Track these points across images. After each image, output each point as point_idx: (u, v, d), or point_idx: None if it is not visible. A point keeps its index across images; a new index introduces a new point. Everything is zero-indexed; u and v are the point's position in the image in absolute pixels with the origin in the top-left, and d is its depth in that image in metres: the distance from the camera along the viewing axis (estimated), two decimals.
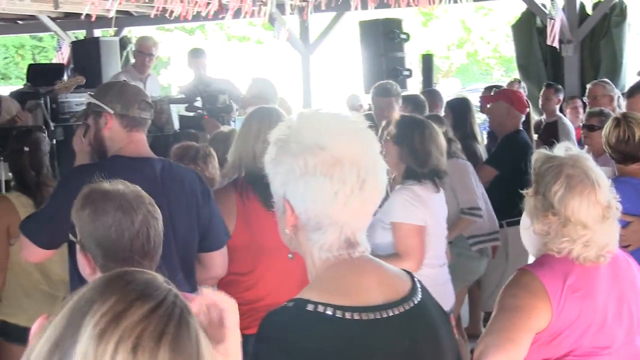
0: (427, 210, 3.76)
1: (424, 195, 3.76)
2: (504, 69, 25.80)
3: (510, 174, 5.13)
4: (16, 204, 4.24)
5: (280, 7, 8.17)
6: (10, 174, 6.95)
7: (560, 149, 2.40)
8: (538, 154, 2.43)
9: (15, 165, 4.41)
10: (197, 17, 7.46)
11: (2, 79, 23.12)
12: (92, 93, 3.23)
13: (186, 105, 6.90)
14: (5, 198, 4.38)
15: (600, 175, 2.33)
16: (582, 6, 9.40)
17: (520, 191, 2.44)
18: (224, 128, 4.99)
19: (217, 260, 3.23)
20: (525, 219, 2.42)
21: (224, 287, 3.22)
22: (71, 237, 2.20)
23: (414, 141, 3.82)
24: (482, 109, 6.61)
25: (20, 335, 4.04)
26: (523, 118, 5.83)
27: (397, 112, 5.15)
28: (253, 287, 3.31)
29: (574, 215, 2.26)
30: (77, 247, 2.20)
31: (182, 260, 3.02)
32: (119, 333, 1.02)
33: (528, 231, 2.41)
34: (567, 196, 2.27)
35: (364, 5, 7.77)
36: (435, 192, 3.85)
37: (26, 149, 4.36)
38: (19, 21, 10.56)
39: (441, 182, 3.89)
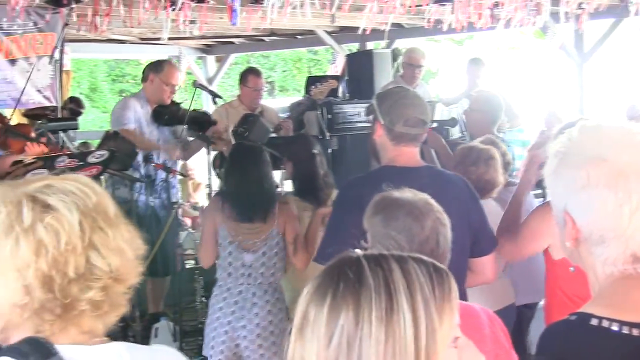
0: None
1: None
2: None
3: None
4: (295, 207, 4.52)
5: (554, 15, 7.95)
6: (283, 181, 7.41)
7: None
8: None
9: (305, 169, 4.66)
10: (468, 27, 7.46)
11: (280, 91, 24.51)
12: (379, 93, 3.33)
13: None
14: (286, 200, 4.68)
15: None
16: None
17: None
18: (491, 136, 4.94)
19: (487, 266, 3.23)
20: None
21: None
22: (362, 243, 2.30)
23: None
24: None
25: None
26: None
27: None
28: None
29: None
30: None
31: (453, 265, 3.03)
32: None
33: None
34: None
35: None
36: None
37: (315, 151, 4.65)
38: (298, 36, 11.16)
39: None
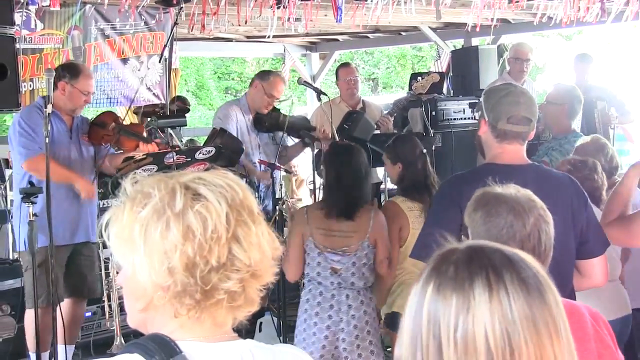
0: None
1: None
2: None
3: None
4: (403, 207, 4.52)
5: None
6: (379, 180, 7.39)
7: None
8: None
9: (416, 169, 4.65)
10: (576, 22, 7.26)
11: (384, 88, 24.47)
12: (486, 90, 3.30)
13: None
14: (393, 202, 4.68)
15: None
16: None
17: None
18: (587, 138, 4.80)
19: (596, 268, 3.13)
20: None
21: None
22: (463, 238, 2.28)
23: None
24: None
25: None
26: None
27: None
28: None
29: None
30: None
31: (557, 266, 2.97)
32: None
33: None
34: None
35: None
36: None
37: (424, 151, 4.65)
38: (402, 33, 11.11)
39: None
